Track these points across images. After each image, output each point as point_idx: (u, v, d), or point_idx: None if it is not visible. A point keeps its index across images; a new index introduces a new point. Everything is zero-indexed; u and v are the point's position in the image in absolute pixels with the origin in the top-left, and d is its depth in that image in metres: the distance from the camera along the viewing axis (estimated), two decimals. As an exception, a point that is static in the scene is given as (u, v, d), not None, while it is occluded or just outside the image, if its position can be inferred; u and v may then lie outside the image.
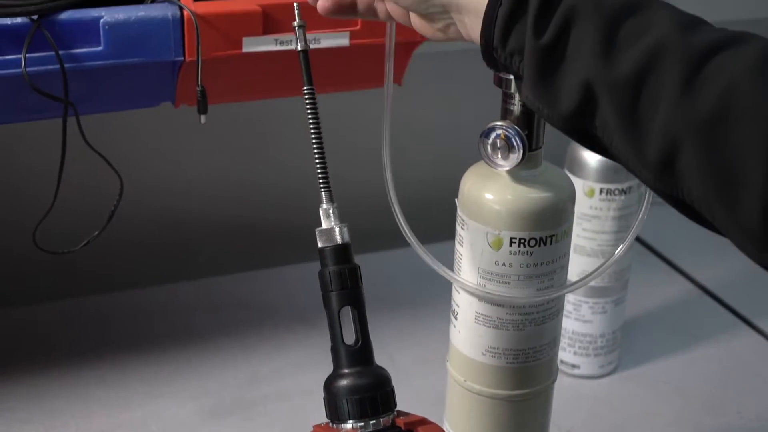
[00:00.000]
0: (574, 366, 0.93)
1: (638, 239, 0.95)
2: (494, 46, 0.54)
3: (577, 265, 0.88)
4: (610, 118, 0.50)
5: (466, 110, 1.19)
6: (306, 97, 0.63)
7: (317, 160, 0.62)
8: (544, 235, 0.65)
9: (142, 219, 1.10)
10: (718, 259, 1.15)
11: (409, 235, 0.69)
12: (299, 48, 0.64)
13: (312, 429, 0.61)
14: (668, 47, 0.48)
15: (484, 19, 0.54)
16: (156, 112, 0.85)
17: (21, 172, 1.04)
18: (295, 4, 0.65)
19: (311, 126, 0.62)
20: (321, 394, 0.61)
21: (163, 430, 0.86)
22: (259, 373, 0.94)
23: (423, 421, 0.59)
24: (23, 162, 1.04)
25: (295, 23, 0.64)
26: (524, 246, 0.65)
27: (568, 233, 0.67)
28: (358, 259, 1.07)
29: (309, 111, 0.62)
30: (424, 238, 1.13)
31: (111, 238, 0.85)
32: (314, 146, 0.62)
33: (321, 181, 0.62)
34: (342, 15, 0.66)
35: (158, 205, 1.11)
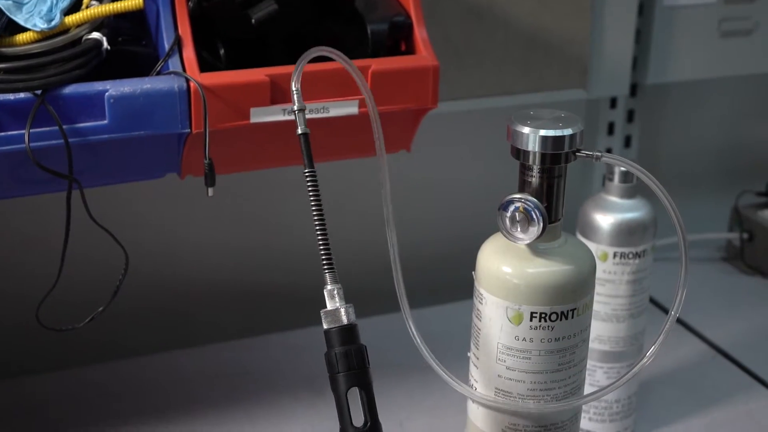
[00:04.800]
0: (589, 432, 0.92)
1: (651, 300, 0.93)
2: None
3: (591, 331, 0.86)
4: None
5: (478, 170, 1.18)
6: (308, 179, 0.63)
7: (320, 242, 0.62)
8: (565, 309, 0.64)
9: (144, 286, 1.08)
10: (730, 318, 1.14)
11: (417, 340, 0.68)
12: (299, 131, 0.64)
13: None
14: None
15: None
16: (160, 181, 0.83)
17: (24, 244, 1.02)
18: (293, 89, 0.65)
19: (313, 208, 0.62)
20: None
21: (170, 508, 0.83)
22: (266, 445, 0.91)
23: None
24: (26, 233, 1.02)
25: (295, 107, 0.64)
26: (545, 320, 0.64)
27: (589, 306, 0.66)
28: (368, 321, 1.06)
29: (311, 193, 0.63)
30: (438, 298, 1.13)
31: (113, 307, 0.83)
32: (317, 228, 0.62)
33: (325, 262, 0.62)
34: None
35: (160, 272, 1.09)
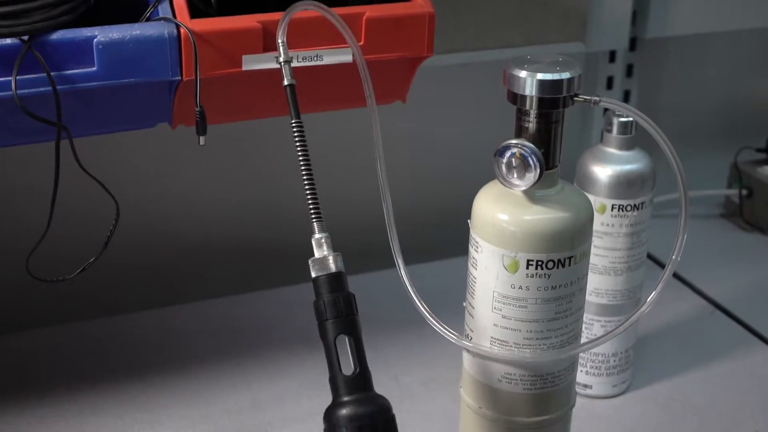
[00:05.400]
0: (586, 386, 0.91)
1: (649, 256, 0.92)
2: None
3: (588, 284, 0.85)
4: None
5: (475, 124, 1.17)
6: (294, 130, 0.63)
7: (308, 191, 0.62)
8: (562, 256, 0.63)
9: (137, 241, 1.07)
10: (729, 274, 1.13)
11: (408, 284, 0.67)
12: (286, 83, 0.64)
13: None
14: None
15: None
16: (151, 133, 0.82)
17: (13, 196, 1.01)
18: (279, 42, 0.65)
19: (300, 158, 0.62)
20: (322, 419, 0.59)
21: (164, 461, 0.83)
22: (260, 397, 0.91)
23: None
24: (15, 185, 1.01)
25: (281, 59, 0.64)
26: (542, 268, 0.63)
27: (586, 254, 0.65)
28: (363, 277, 1.05)
29: (298, 144, 0.63)
30: (437, 254, 1.12)
31: (105, 262, 0.81)
32: (304, 178, 0.62)
33: (312, 211, 0.62)
34: None
35: (153, 227, 1.08)
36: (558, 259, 0.62)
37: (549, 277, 0.63)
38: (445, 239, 1.10)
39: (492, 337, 0.65)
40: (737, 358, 0.98)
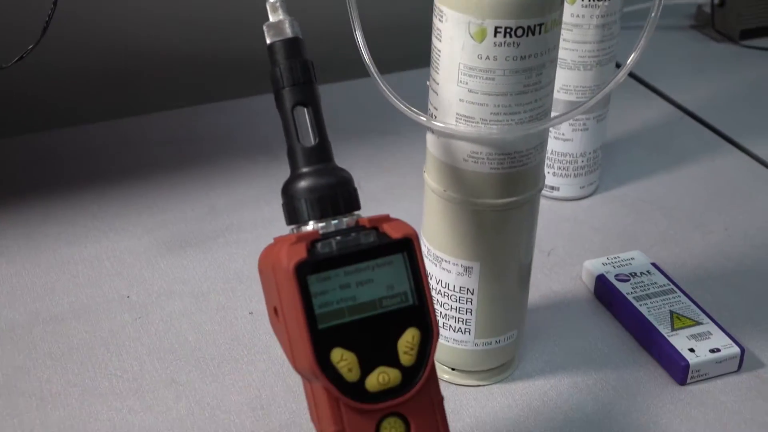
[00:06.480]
0: (553, 188, 0.89)
1: (617, 65, 0.89)
2: None
3: (557, 80, 0.82)
4: None
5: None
6: None
7: None
8: (532, 23, 0.59)
9: (88, 47, 1.02)
10: (697, 82, 1.11)
11: (370, 65, 0.62)
12: None
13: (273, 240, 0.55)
14: None
15: None
16: None
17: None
18: None
19: None
20: (284, 224, 0.55)
21: (117, 264, 0.80)
22: (218, 204, 0.88)
23: (387, 218, 0.54)
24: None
25: None
26: (510, 36, 0.59)
27: (558, 22, 0.61)
28: (323, 88, 1.02)
29: None
30: (402, 65, 1.08)
31: (55, 69, 0.77)
32: None
33: None
34: None
35: (105, 31, 1.03)
36: (528, 26, 0.59)
37: (518, 45, 0.59)
38: (412, 50, 1.05)
39: (457, 114, 0.62)
40: (706, 160, 0.96)
